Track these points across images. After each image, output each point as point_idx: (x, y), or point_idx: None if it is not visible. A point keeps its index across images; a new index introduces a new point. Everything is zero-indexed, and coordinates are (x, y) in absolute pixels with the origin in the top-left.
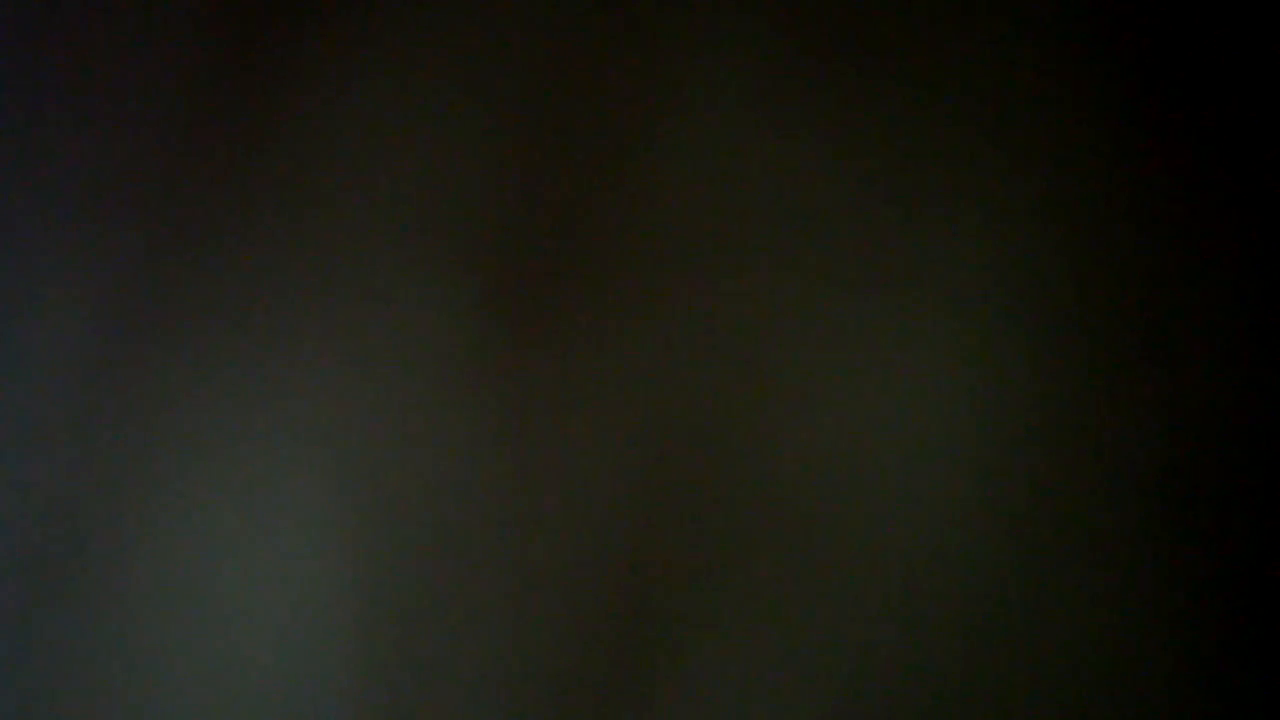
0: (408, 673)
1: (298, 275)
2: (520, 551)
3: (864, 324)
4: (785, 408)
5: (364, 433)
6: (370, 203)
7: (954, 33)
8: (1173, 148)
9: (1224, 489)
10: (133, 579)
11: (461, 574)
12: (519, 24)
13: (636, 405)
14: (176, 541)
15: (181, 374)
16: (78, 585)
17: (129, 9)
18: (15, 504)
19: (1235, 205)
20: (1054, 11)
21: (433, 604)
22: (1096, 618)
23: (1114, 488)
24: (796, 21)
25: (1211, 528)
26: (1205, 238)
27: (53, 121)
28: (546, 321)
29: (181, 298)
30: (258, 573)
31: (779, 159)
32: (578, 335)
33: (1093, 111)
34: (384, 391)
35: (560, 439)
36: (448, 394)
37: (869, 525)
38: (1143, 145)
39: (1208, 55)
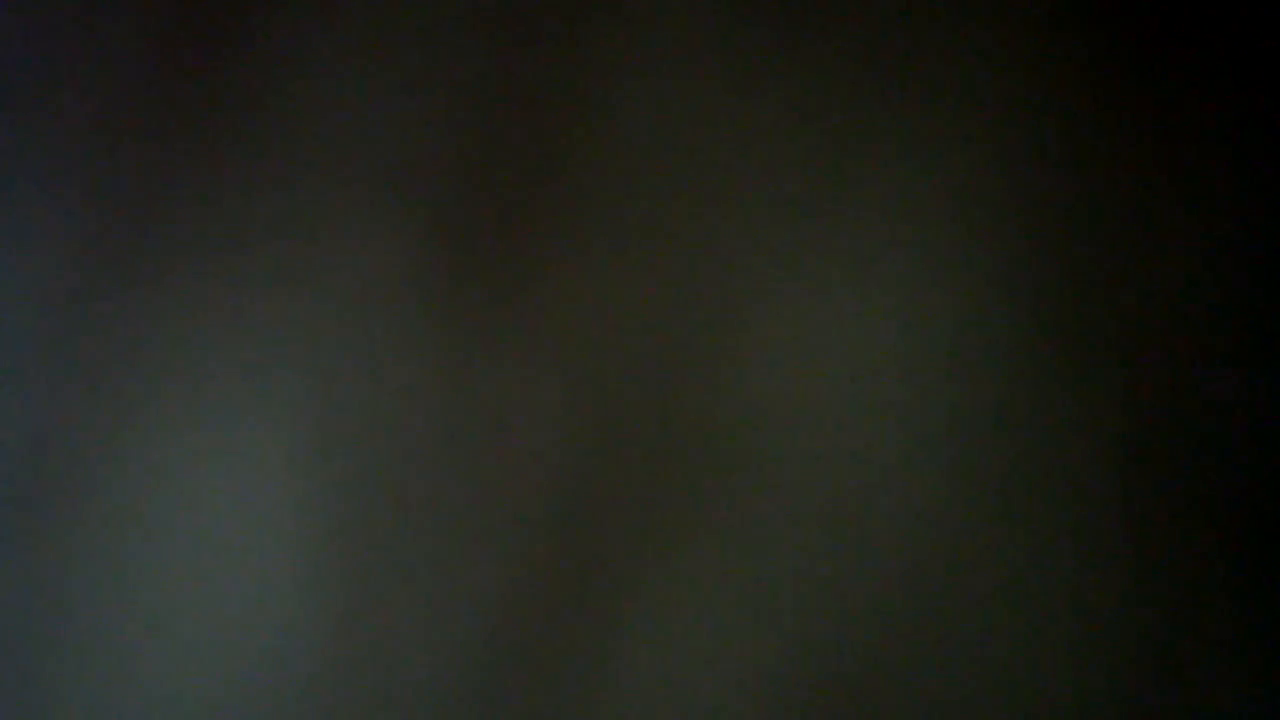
0: (355, 593)
1: (260, 216)
2: (469, 485)
3: (818, 277)
4: (740, 351)
5: (324, 365)
6: (331, 144)
7: None
8: (1135, 122)
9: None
10: (98, 507)
11: (408, 508)
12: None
13: (588, 345)
14: (141, 470)
15: (148, 309)
16: (47, 514)
17: None
18: None
19: (1201, 177)
20: None
21: (382, 535)
22: (1043, 566)
23: (1066, 441)
24: None
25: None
26: (1172, 218)
27: (36, 70)
28: (499, 259)
29: (151, 237)
30: (219, 496)
31: (737, 114)
32: (531, 274)
33: (1053, 76)
34: (341, 325)
35: (508, 376)
36: (399, 326)
37: (819, 468)
38: (1108, 114)
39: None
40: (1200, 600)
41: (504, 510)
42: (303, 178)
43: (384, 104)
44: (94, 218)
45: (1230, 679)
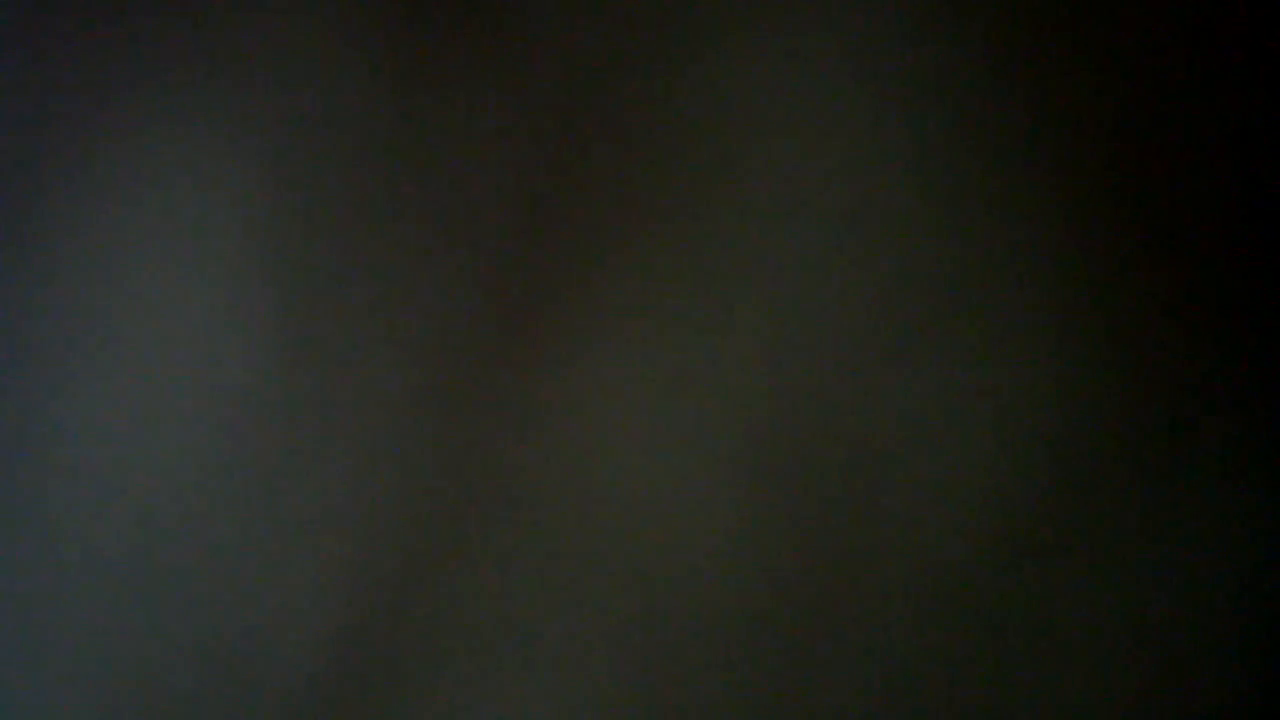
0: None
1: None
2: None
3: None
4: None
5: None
6: (395, 195)
7: None
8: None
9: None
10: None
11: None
12: (548, 26)
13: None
14: None
15: None
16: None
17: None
18: None
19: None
20: None
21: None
22: (845, 589)
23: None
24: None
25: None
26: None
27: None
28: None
29: None
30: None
31: (794, 163)
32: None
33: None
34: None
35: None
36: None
37: (620, 531)
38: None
39: None
40: None
41: None
42: (366, 225)
43: (445, 154)
44: None
45: None
